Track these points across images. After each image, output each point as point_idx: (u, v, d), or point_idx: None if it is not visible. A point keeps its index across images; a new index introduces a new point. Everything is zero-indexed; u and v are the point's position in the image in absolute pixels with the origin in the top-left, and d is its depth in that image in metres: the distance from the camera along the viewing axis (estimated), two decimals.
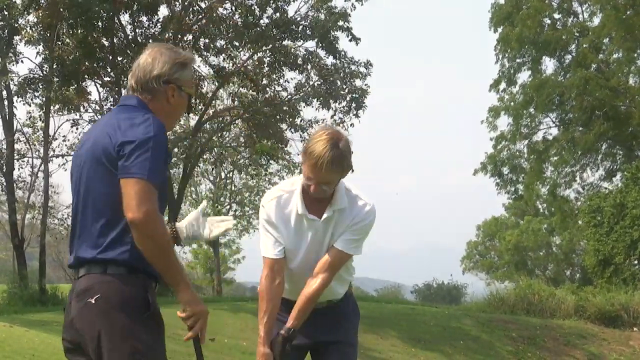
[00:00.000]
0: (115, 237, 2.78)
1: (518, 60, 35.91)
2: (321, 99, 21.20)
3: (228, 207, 34.35)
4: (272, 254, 3.52)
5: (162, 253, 2.69)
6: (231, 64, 21.71)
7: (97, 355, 2.74)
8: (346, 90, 21.21)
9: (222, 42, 21.24)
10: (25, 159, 21.87)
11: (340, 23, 20.39)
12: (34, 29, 19.06)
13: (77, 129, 22.37)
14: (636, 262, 25.09)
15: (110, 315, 2.72)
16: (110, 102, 21.69)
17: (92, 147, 2.87)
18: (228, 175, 32.73)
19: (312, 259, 3.55)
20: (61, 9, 17.66)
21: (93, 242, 2.80)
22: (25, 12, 17.97)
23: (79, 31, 18.75)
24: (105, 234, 2.79)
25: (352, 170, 3.48)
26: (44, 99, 19.69)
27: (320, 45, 20.80)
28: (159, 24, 20.37)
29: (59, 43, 19.37)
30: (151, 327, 2.77)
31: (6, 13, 17.93)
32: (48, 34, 18.80)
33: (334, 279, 3.58)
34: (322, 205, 3.52)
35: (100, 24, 18.68)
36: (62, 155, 23.75)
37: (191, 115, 24.46)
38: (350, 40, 20.57)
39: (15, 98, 19.18)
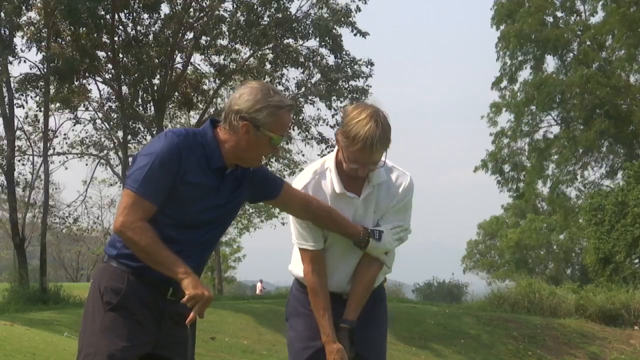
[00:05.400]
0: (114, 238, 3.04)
1: (520, 58, 35.87)
2: (323, 96, 21.15)
3: None
4: (313, 245, 3.29)
5: (145, 254, 2.86)
6: (232, 63, 21.66)
7: None
8: (347, 90, 21.12)
9: (224, 42, 21.21)
10: (26, 157, 21.81)
11: (344, 19, 20.27)
12: (34, 27, 19.04)
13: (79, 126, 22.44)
14: (637, 260, 25.08)
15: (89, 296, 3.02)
16: (111, 100, 21.65)
17: None
18: None
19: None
20: (55, 7, 17.64)
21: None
22: (19, 12, 17.91)
23: (80, 29, 18.71)
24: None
25: None
26: (41, 98, 19.69)
27: (323, 44, 20.69)
28: (159, 22, 20.34)
29: (59, 41, 19.33)
30: (108, 318, 2.89)
31: (2, 14, 17.89)
32: (45, 33, 18.78)
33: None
34: (358, 182, 3.29)
35: (93, 22, 18.60)
36: (63, 153, 23.71)
37: (192, 113, 24.46)
38: (355, 35, 20.41)
39: (15, 95, 19.15)
